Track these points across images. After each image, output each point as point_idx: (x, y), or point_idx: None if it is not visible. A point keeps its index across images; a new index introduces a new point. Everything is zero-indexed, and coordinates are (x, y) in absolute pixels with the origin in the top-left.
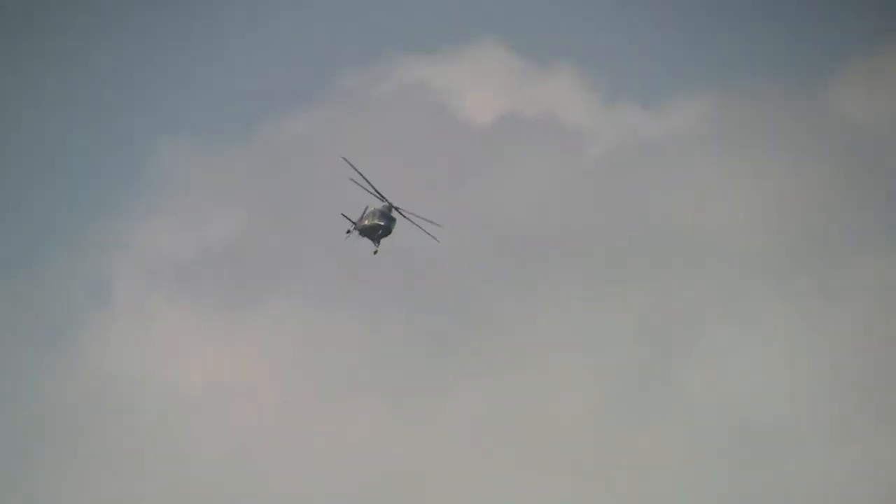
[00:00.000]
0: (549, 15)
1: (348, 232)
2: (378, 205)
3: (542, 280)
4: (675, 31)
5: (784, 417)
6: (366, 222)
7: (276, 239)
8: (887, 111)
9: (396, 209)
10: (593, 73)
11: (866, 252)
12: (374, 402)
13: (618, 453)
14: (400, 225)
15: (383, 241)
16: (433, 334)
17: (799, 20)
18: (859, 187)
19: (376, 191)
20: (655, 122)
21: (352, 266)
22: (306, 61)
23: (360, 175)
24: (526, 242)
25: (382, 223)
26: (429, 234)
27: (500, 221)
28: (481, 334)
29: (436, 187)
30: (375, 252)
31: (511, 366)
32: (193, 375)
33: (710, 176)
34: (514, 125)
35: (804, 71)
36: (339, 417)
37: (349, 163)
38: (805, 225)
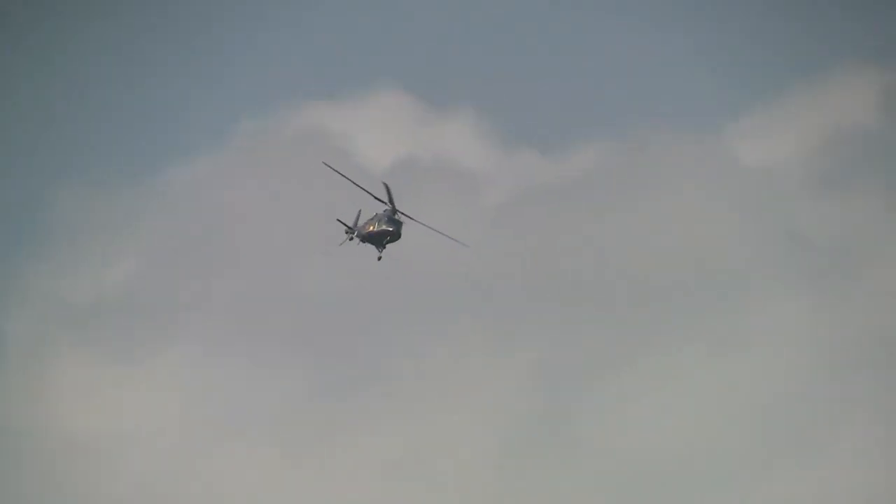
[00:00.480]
0: (447, 60)
1: (350, 239)
2: (380, 209)
3: (443, 324)
4: (572, 78)
5: (686, 461)
6: (370, 229)
7: (174, 283)
8: (781, 156)
9: (400, 212)
10: (491, 119)
11: (764, 296)
12: (275, 447)
13: (522, 496)
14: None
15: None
16: (335, 378)
17: (696, 68)
18: (756, 231)
19: (373, 195)
20: (553, 168)
21: (252, 309)
22: (205, 107)
23: (350, 181)
24: (425, 286)
25: (391, 228)
26: (455, 239)
27: (400, 265)
28: (383, 378)
29: (335, 230)
30: (380, 258)
31: (414, 410)
32: (90, 423)
33: (607, 221)
34: (412, 169)
35: (701, 118)
36: (238, 464)
37: (333, 168)
38: (703, 269)
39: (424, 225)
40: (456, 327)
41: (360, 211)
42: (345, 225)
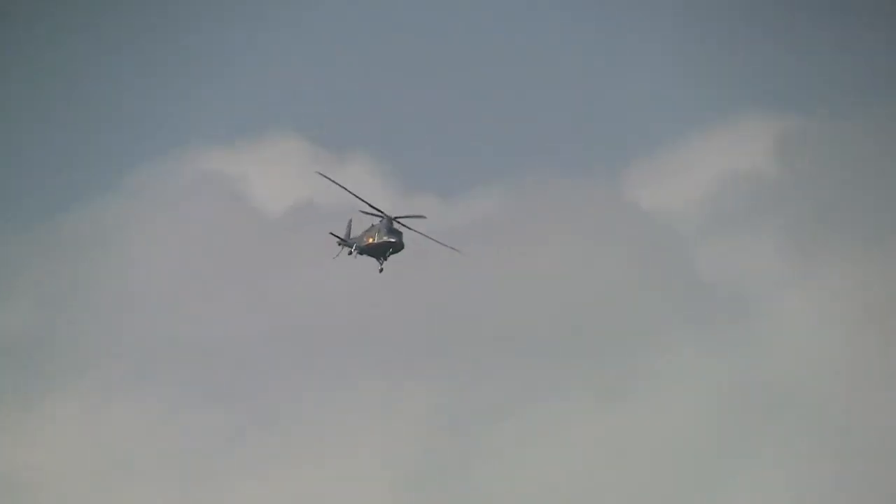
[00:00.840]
0: (345, 105)
1: (350, 253)
2: (375, 220)
3: (335, 370)
4: (471, 123)
5: None
6: (370, 241)
7: (68, 327)
8: (679, 201)
9: (397, 220)
10: (390, 164)
11: (660, 339)
12: (169, 492)
13: None
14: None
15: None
16: (224, 425)
17: (594, 114)
18: (653, 275)
19: (370, 205)
20: (451, 212)
21: (142, 354)
22: (102, 151)
23: (345, 188)
24: (322, 331)
25: (393, 240)
26: (449, 246)
27: (296, 310)
28: (275, 426)
29: (231, 275)
30: (381, 270)
31: (303, 459)
32: None
33: (505, 266)
34: (310, 214)
35: (600, 162)
36: None
37: (329, 178)
38: (600, 313)
39: (420, 234)
40: (349, 373)
41: (350, 221)
42: (337, 237)
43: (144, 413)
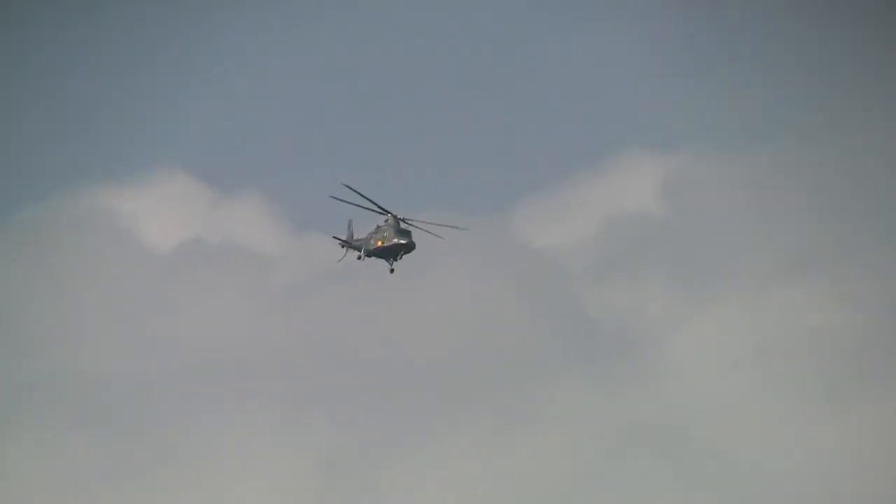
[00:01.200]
0: (234, 144)
1: (359, 258)
2: (380, 220)
3: (223, 406)
4: (361, 162)
5: None
6: (379, 243)
7: None
8: (568, 240)
9: (405, 220)
10: (279, 202)
11: (553, 379)
12: None
13: None
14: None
15: None
16: (107, 460)
17: (483, 151)
18: (542, 313)
19: (374, 203)
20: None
21: (30, 391)
22: None
23: (369, 199)
24: (214, 367)
25: (404, 241)
26: (454, 226)
27: (186, 346)
28: (176, 460)
29: (121, 313)
30: (392, 271)
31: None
32: None
33: (395, 302)
34: (199, 252)
35: (489, 201)
36: None
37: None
38: (490, 351)
39: (425, 224)
40: (236, 409)
41: (350, 221)
42: (339, 240)
43: (29, 447)
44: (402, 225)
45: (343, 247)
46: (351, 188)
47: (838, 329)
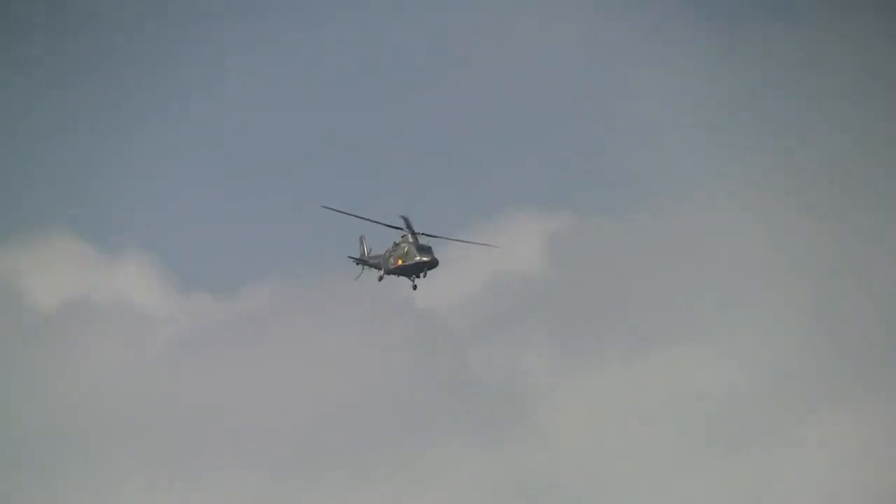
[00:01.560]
0: (120, 203)
1: (380, 278)
2: (396, 237)
3: (111, 467)
4: (246, 218)
5: None
6: (399, 262)
7: None
8: (452, 298)
9: (422, 234)
10: (166, 262)
11: (437, 438)
12: None
13: None
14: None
15: None
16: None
17: (366, 209)
18: (426, 372)
19: (363, 217)
20: (227, 306)
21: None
22: None
23: (351, 215)
24: (99, 426)
25: (427, 259)
26: (484, 244)
27: (71, 404)
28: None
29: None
30: (415, 287)
31: None
32: None
33: (278, 358)
34: (84, 311)
35: None
36: None
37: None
38: (374, 412)
39: (452, 239)
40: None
41: (361, 237)
42: (354, 259)
43: None
44: (422, 239)
45: (359, 264)
46: (330, 208)
47: (724, 388)
